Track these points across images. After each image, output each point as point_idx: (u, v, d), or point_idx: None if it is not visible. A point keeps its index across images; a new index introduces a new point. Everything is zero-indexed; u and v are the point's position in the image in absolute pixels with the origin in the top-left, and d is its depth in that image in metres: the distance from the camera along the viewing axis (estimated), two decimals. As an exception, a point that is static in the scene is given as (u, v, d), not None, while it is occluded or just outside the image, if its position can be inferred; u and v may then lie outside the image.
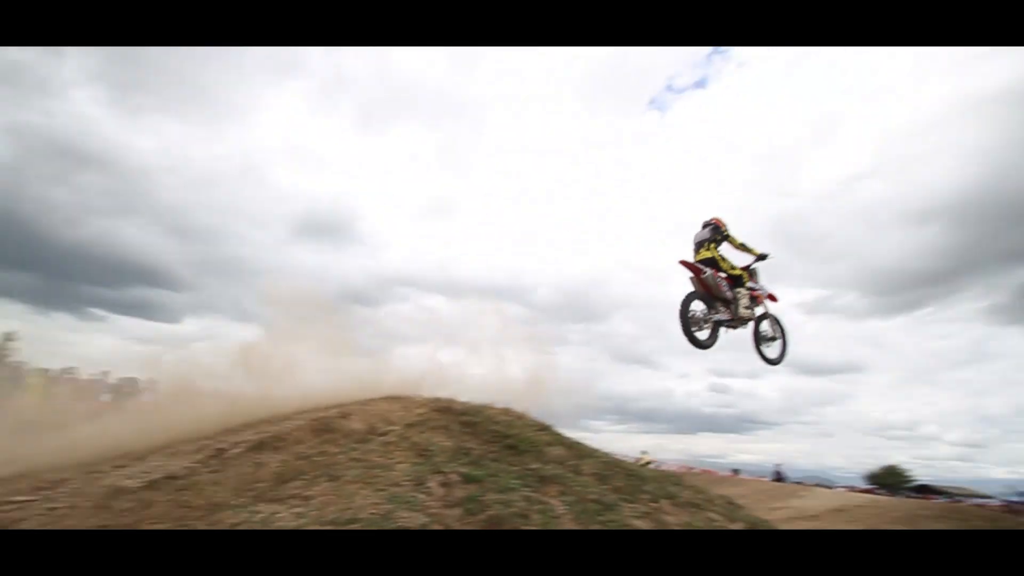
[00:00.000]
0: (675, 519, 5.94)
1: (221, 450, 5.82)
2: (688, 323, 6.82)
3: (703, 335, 7.02)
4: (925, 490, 33.02)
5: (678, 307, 6.80)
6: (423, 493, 4.72)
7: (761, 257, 7.40)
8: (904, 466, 37.99)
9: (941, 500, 26.24)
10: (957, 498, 29.41)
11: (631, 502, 5.95)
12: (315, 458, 5.41)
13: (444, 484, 4.95)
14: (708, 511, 6.56)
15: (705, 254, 7.19)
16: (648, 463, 24.64)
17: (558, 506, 5.19)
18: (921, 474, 37.97)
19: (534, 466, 5.95)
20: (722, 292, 7.06)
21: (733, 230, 7.26)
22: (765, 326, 7.62)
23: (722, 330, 7.21)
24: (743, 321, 7.26)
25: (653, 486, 6.58)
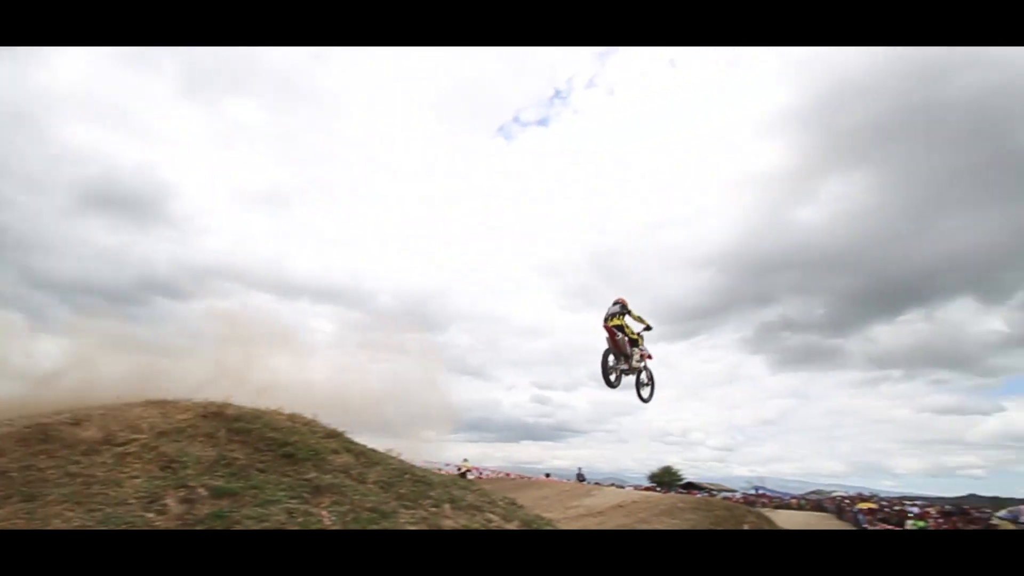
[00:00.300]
0: (453, 522, 6.11)
1: None
2: (606, 370, 9.70)
3: (613, 378, 9.86)
4: (691, 486, 39.73)
5: (600, 358, 9.71)
6: (154, 512, 4.09)
7: (648, 328, 10.19)
8: (677, 467, 45.39)
9: (701, 495, 31.66)
10: (712, 492, 35.94)
11: (412, 508, 5.96)
12: (12, 474, 4.34)
13: (186, 500, 4.35)
14: (488, 513, 6.90)
15: (616, 322, 9.83)
16: (468, 470, 25.32)
17: (326, 517, 4.96)
18: (689, 473, 45.74)
19: (310, 475, 5.62)
20: (626, 350, 9.85)
21: (632, 305, 10.10)
22: (644, 375, 10.51)
23: (623, 376, 10.01)
24: (634, 371, 10.09)
25: (439, 491, 6.69)
